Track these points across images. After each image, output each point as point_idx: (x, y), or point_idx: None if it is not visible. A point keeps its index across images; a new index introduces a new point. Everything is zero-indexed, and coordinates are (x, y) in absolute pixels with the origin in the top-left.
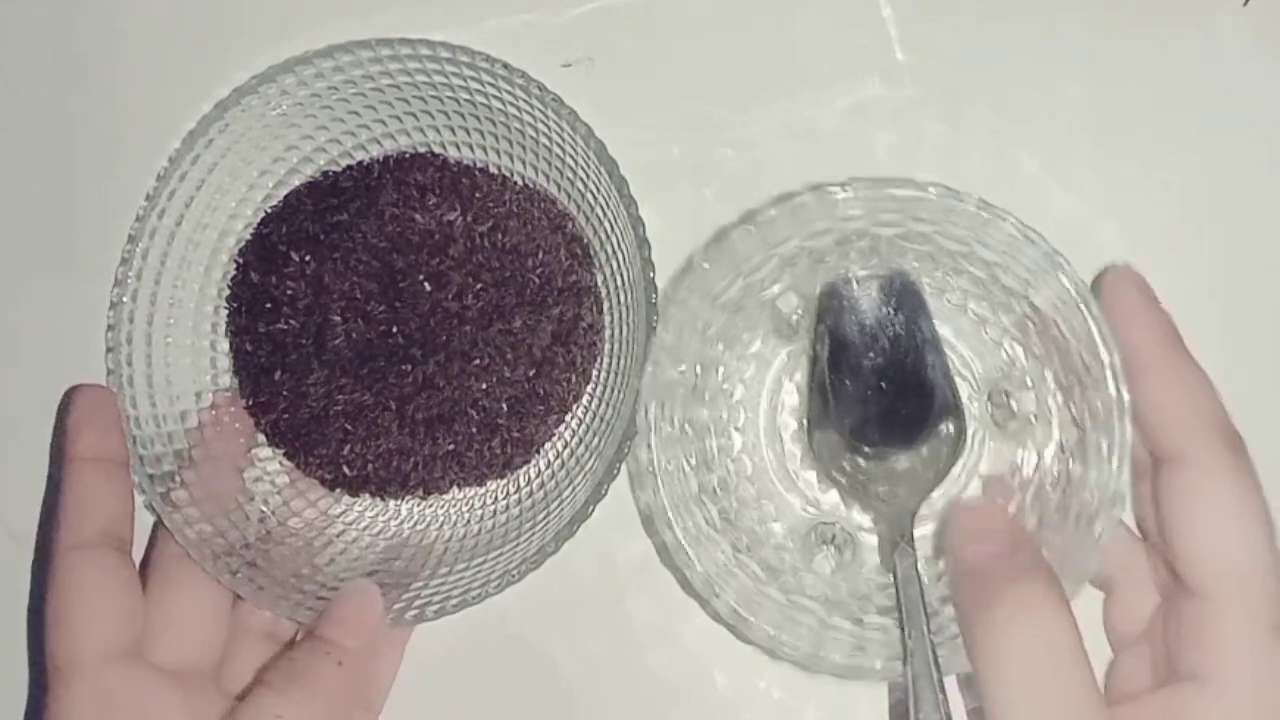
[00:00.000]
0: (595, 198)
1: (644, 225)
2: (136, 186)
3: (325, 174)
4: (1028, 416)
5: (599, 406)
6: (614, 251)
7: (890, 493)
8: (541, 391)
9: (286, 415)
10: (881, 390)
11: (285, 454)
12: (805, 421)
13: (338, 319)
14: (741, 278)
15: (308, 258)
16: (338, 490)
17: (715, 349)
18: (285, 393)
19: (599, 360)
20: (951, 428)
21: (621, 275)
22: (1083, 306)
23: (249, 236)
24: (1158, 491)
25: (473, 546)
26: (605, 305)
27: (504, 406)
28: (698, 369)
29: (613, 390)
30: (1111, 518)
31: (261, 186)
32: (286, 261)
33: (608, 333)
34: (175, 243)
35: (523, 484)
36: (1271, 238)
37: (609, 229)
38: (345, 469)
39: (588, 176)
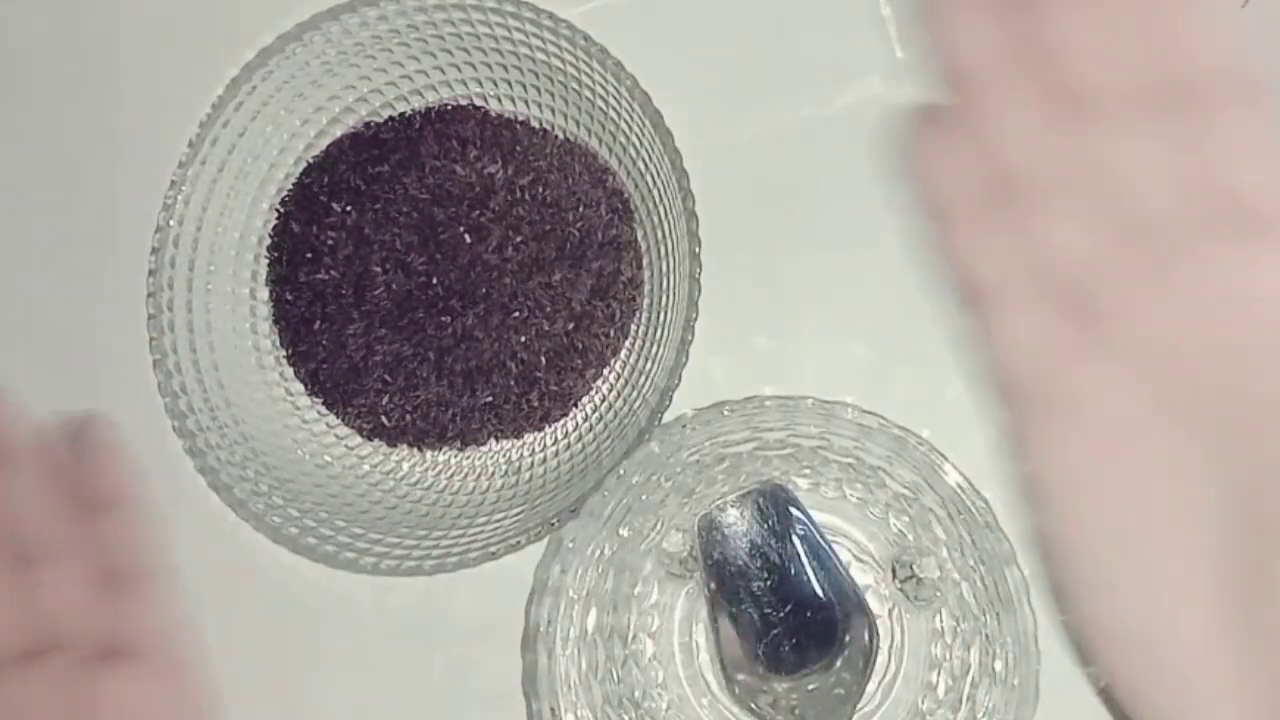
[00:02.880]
0: (639, 151)
1: (689, 178)
2: (180, 133)
3: (367, 124)
4: (934, 581)
5: (638, 360)
6: (655, 205)
7: (824, 712)
8: (580, 345)
9: (325, 365)
10: (783, 610)
11: (324, 403)
12: (721, 664)
13: (377, 270)
14: (615, 532)
15: (348, 208)
16: (376, 440)
17: (616, 616)
18: (324, 343)
19: (638, 315)
20: (863, 626)
21: (663, 229)
22: (932, 478)
23: (290, 186)
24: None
25: (510, 498)
26: (645, 260)
27: (542, 360)
28: (603, 640)
29: (652, 344)
30: (1030, 669)
31: (303, 136)
32: (327, 212)
33: (647, 287)
34: (217, 190)
35: (559, 437)
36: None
37: (651, 182)
38: (384, 419)
39: (630, 129)
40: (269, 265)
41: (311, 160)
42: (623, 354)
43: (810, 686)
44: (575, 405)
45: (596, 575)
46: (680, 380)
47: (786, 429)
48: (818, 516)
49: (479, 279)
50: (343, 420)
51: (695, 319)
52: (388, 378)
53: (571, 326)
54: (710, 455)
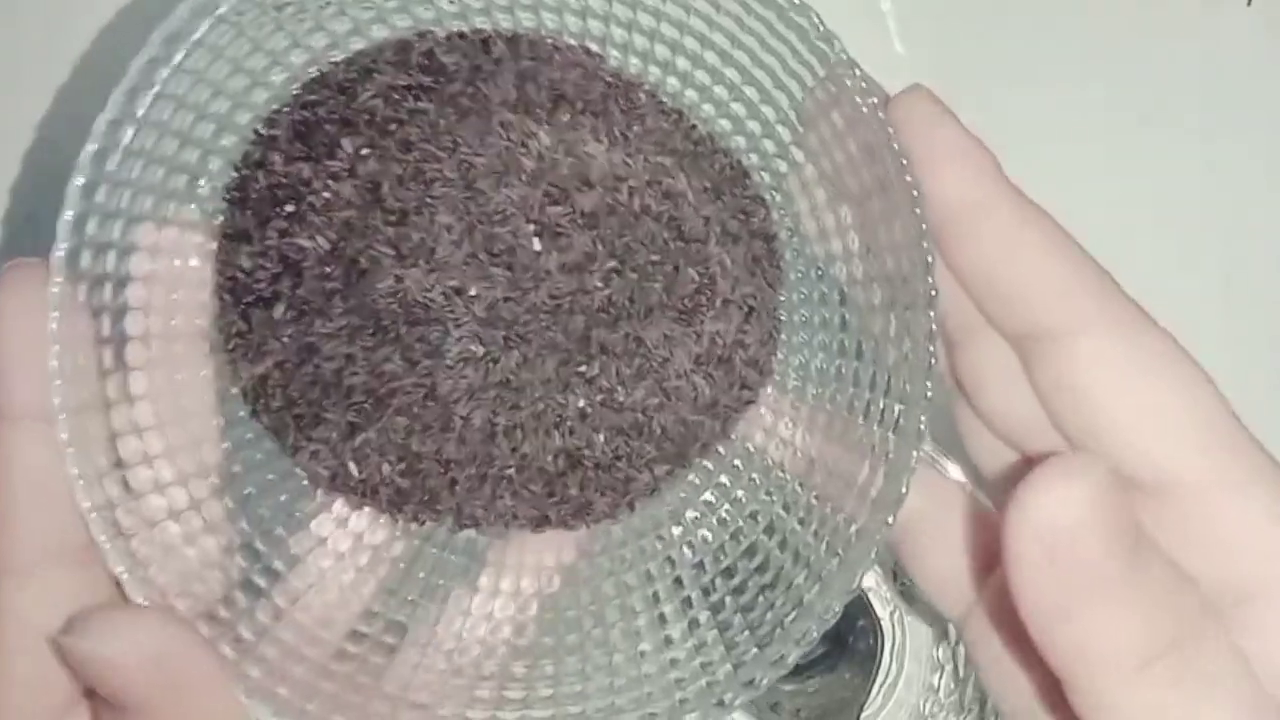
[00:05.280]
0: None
1: (934, 253)
2: None
3: (421, 34)
4: None
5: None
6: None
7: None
8: (659, 429)
9: (280, 372)
10: None
11: (270, 428)
12: None
13: (387, 252)
14: None
15: (365, 152)
16: (331, 493)
17: None
18: (285, 339)
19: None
20: (866, 628)
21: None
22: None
23: (288, 101)
24: (1039, 375)
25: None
26: (782, 338)
27: (599, 437)
28: None
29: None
30: None
31: (327, 31)
32: (331, 150)
33: (778, 378)
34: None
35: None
36: (1275, 239)
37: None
38: (351, 465)
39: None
40: (227, 210)
41: (325, 69)
42: (712, 460)
43: (813, 689)
44: (629, 509)
45: None
46: None
47: None
48: None
49: (538, 304)
50: (293, 456)
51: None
52: (368, 408)
53: (655, 402)
54: None
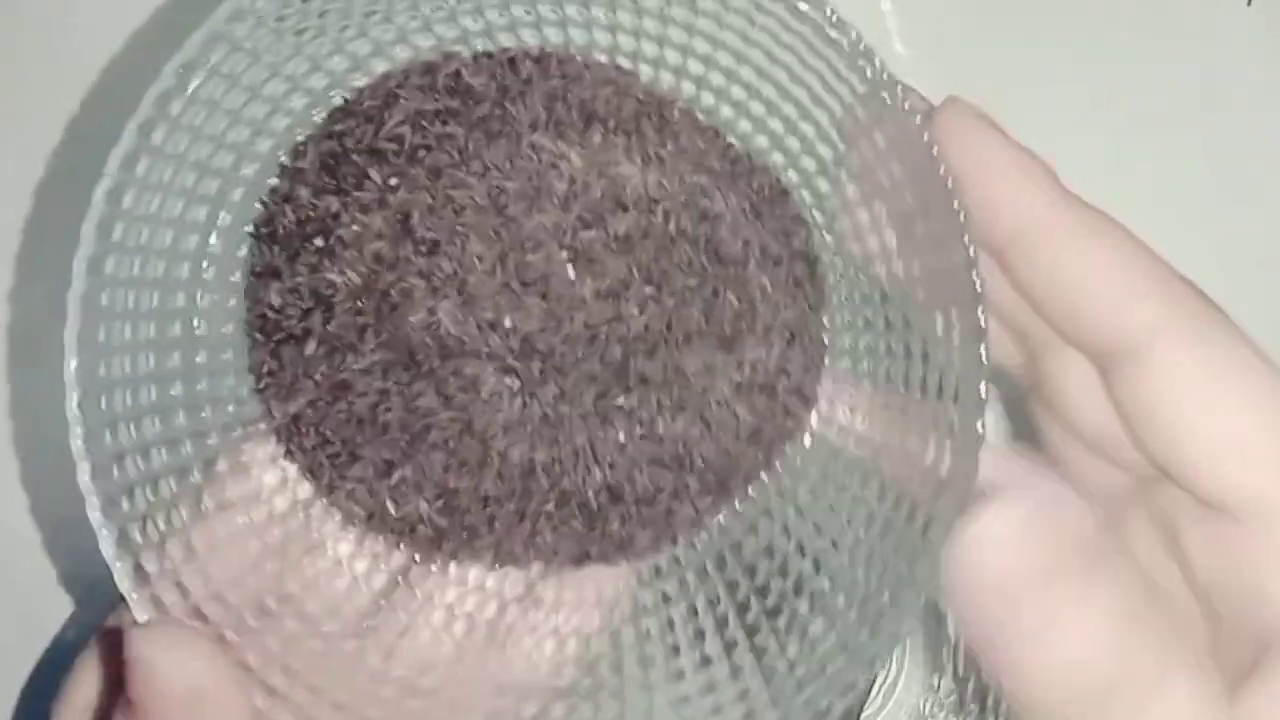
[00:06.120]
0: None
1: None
2: None
3: (446, 56)
4: None
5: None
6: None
7: None
8: (698, 461)
9: (313, 410)
10: None
11: (305, 468)
12: None
13: (420, 287)
14: None
15: (394, 181)
16: (371, 534)
17: None
18: (318, 376)
19: (796, 438)
20: None
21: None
22: None
23: (313, 130)
24: (1115, 392)
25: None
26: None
27: (640, 471)
28: None
29: None
30: None
31: (349, 54)
32: (360, 181)
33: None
34: (192, 125)
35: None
36: (1275, 239)
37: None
38: (389, 503)
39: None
40: (254, 247)
41: (349, 94)
42: (756, 491)
43: None
44: (672, 543)
45: None
46: None
47: None
48: None
49: (573, 333)
50: (326, 497)
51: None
52: (404, 444)
53: (696, 433)
54: None
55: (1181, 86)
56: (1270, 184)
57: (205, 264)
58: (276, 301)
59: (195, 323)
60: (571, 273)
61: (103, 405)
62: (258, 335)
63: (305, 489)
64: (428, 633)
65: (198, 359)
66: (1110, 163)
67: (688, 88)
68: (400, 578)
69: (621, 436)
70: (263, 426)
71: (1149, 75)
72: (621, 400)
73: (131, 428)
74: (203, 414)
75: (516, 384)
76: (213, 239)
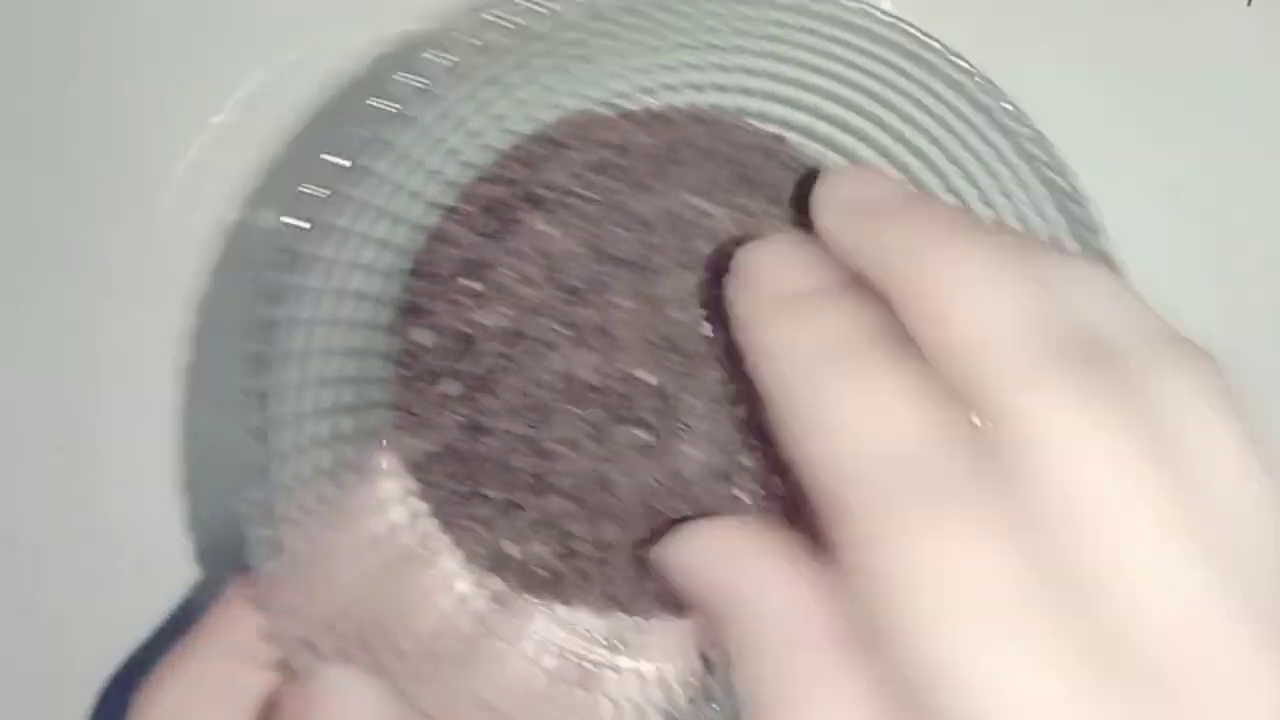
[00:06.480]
0: None
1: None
2: None
3: (611, 108)
4: None
5: None
6: None
7: None
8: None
9: (447, 449)
10: None
11: (434, 512)
12: None
13: (565, 335)
14: None
15: (549, 229)
16: (490, 576)
17: None
18: (456, 415)
19: None
20: None
21: None
22: None
23: (478, 172)
24: None
25: None
26: None
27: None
28: None
29: None
30: None
31: (518, 99)
32: (518, 226)
33: None
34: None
35: None
36: (1275, 238)
37: None
38: (506, 544)
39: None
40: (407, 285)
41: (516, 145)
42: None
43: None
44: None
45: None
46: None
47: None
48: None
49: (705, 391)
50: (452, 535)
51: None
52: (529, 489)
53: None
54: None
55: (1181, 86)
56: (1270, 184)
57: (372, 304)
58: (426, 341)
59: (346, 361)
60: (707, 329)
61: (272, 439)
62: (402, 371)
63: (422, 519)
64: (522, 663)
65: (345, 398)
66: (1110, 162)
67: (834, 158)
68: (501, 604)
69: (746, 498)
70: (396, 463)
71: (1148, 75)
72: (743, 459)
73: (294, 461)
74: (347, 452)
75: (649, 438)
76: (378, 280)
